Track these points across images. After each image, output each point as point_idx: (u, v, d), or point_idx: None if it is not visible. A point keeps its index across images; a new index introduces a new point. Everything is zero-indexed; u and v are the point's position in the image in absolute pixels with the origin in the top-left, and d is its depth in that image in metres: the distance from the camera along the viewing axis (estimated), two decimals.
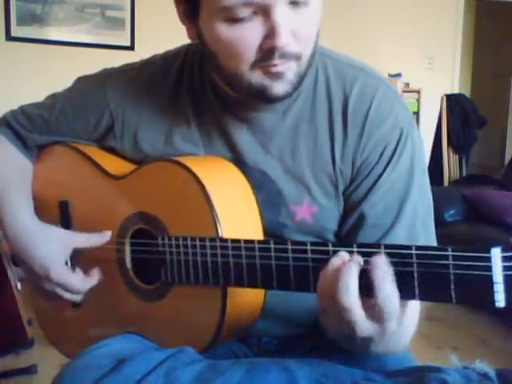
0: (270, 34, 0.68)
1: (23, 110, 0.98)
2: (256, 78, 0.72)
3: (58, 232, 0.90)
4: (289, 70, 0.71)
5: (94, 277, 0.89)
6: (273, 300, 0.80)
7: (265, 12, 0.67)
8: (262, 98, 0.74)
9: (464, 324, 2.49)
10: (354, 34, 4.32)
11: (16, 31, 3.57)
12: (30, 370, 2.01)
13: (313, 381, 0.70)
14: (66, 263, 0.89)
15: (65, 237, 0.90)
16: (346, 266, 0.60)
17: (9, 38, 3.56)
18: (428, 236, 0.81)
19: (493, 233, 2.60)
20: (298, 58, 0.71)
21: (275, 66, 0.70)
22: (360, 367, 0.75)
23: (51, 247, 0.87)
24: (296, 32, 0.69)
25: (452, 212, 2.90)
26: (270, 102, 0.75)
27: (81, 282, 0.88)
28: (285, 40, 0.68)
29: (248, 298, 0.78)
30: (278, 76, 0.71)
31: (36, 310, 1.05)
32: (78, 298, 0.89)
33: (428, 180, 0.83)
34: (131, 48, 3.83)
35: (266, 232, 0.80)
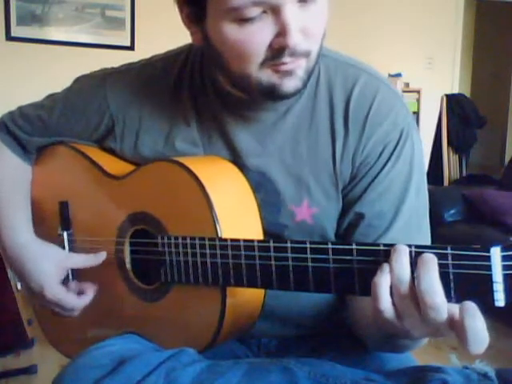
0: (281, 33, 0.67)
1: (21, 112, 0.97)
2: (266, 76, 0.71)
3: (55, 252, 0.92)
4: (299, 67, 0.71)
5: (89, 295, 0.91)
6: (272, 301, 0.80)
7: (275, 11, 0.67)
8: (273, 96, 0.74)
9: None
10: (353, 33, 4.31)
11: (16, 31, 3.57)
12: (29, 370, 2.01)
13: (313, 381, 0.70)
14: (67, 277, 0.91)
15: (62, 257, 0.91)
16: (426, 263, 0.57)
17: (9, 38, 3.55)
18: (423, 236, 0.81)
19: (493, 233, 2.60)
20: (307, 55, 0.71)
21: (285, 64, 0.70)
22: (360, 367, 0.75)
23: (47, 266, 0.89)
24: (305, 30, 0.69)
25: (452, 212, 2.90)
26: (281, 99, 0.75)
27: (75, 301, 0.89)
28: (295, 39, 0.67)
29: (247, 298, 0.78)
30: (287, 73, 0.71)
31: (35, 310, 1.05)
32: (73, 314, 0.91)
33: (426, 181, 0.83)
34: (131, 48, 3.83)
35: (266, 233, 0.80)
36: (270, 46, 0.68)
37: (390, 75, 4.00)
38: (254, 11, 0.66)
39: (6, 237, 0.92)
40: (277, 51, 0.69)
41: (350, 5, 4.22)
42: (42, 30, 3.63)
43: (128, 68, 0.91)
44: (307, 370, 0.72)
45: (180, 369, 0.70)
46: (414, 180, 0.80)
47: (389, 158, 0.79)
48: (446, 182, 3.69)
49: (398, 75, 4.08)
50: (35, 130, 0.96)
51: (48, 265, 0.89)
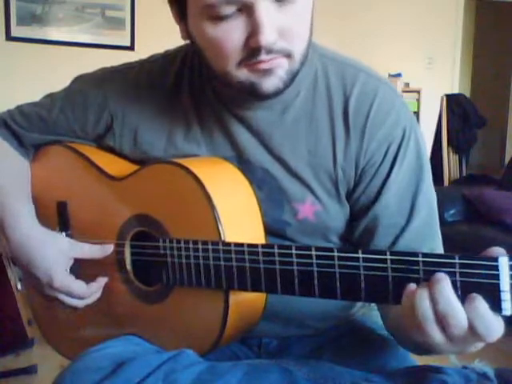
0: (255, 31, 0.67)
1: (20, 110, 0.97)
2: (244, 76, 0.71)
3: (62, 240, 0.89)
4: (278, 66, 0.71)
5: (98, 283, 0.88)
6: (274, 301, 0.79)
7: (248, 9, 0.67)
8: (253, 94, 0.73)
9: None
10: (353, 34, 4.31)
11: (16, 31, 3.57)
12: (30, 370, 2.01)
13: (312, 382, 0.70)
14: (69, 269, 0.89)
15: (68, 246, 0.88)
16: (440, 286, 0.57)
17: (9, 38, 3.55)
18: (438, 230, 0.82)
19: (493, 233, 2.60)
20: (288, 55, 0.71)
21: (262, 62, 0.69)
22: (360, 367, 0.76)
23: (55, 255, 0.86)
24: (283, 29, 0.69)
25: (452, 212, 2.89)
26: (262, 98, 0.75)
27: (83, 289, 0.86)
28: (269, 38, 0.67)
29: (250, 299, 0.77)
30: (266, 73, 0.71)
31: (33, 310, 1.04)
32: (80, 304, 0.88)
33: (431, 176, 0.83)
34: (131, 48, 3.83)
35: (268, 231, 0.80)
36: (246, 45, 0.69)
37: (390, 75, 4.00)
38: (228, 9, 0.67)
39: (9, 228, 0.88)
40: (252, 50, 0.68)
41: (350, 5, 4.22)
42: (42, 30, 3.63)
43: (127, 67, 0.92)
44: (306, 371, 0.72)
45: (179, 371, 0.70)
46: (425, 174, 0.80)
47: (395, 158, 0.79)
48: (446, 182, 3.69)
49: (398, 75, 4.08)
50: (33, 127, 0.95)
51: (53, 251, 0.86)
